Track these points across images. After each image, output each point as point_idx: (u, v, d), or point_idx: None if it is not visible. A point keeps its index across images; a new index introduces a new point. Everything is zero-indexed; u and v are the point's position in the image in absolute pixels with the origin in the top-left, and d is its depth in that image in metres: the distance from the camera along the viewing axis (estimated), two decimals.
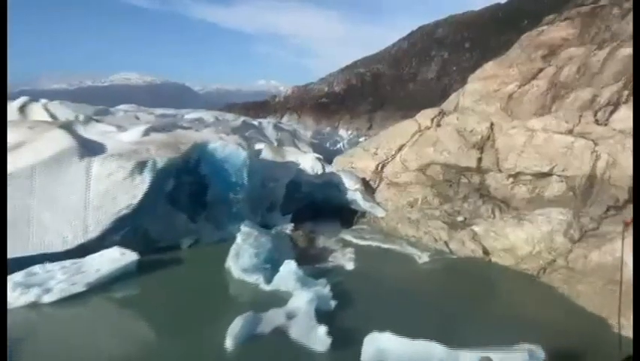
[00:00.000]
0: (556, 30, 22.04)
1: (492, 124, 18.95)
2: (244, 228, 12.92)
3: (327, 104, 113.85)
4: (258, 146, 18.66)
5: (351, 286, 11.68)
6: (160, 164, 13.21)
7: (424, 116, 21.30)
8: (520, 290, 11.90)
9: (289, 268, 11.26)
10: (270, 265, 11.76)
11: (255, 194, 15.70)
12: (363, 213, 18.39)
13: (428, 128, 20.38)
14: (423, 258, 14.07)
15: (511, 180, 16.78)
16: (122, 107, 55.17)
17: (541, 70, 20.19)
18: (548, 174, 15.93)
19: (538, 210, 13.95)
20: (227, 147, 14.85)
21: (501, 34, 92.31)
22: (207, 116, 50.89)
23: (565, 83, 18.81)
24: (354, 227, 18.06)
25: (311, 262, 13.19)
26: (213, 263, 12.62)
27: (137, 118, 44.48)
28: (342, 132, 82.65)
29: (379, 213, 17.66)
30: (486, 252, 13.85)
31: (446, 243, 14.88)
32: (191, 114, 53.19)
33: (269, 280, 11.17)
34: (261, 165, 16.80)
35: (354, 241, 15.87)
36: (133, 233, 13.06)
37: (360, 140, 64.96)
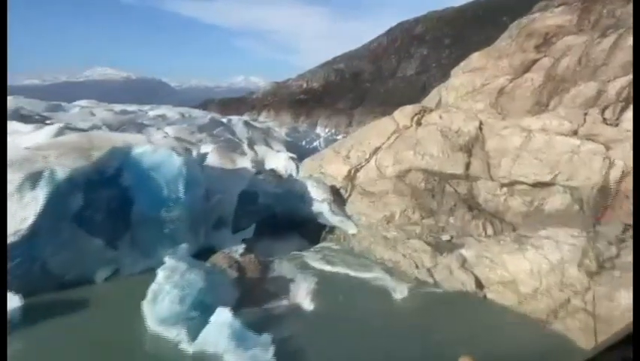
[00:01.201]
0: (550, 17, 19.44)
1: (481, 123, 16.29)
2: (169, 260, 9.96)
3: (306, 100, 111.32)
4: (205, 149, 15.57)
5: (307, 339, 8.90)
6: (61, 175, 10.16)
7: (403, 114, 18.55)
8: (525, 342, 9.20)
9: (222, 318, 8.39)
10: (199, 313, 8.86)
11: (196, 209, 12.72)
12: (332, 228, 15.59)
13: (407, 127, 17.64)
14: (401, 292, 11.28)
15: (504, 190, 14.13)
16: (81, 102, 51.50)
17: (535, 61, 17.60)
18: (550, 184, 13.31)
19: (543, 232, 11.28)
20: (157, 152, 11.86)
21: (482, 31, 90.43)
22: (172, 112, 47.42)
23: (564, 77, 16.24)
24: (320, 245, 15.27)
25: (259, 302, 10.37)
26: (131, 304, 9.65)
27: (93, 114, 41.10)
28: (319, 130, 79.99)
29: (350, 229, 14.86)
30: (480, 285, 11.14)
31: (429, 271, 12.14)
32: (154, 111, 49.75)
33: (193, 336, 8.30)
34: (206, 174, 13.85)
35: (318, 266, 13.06)
36: (26, 267, 10.01)
37: (338, 137, 62.41)
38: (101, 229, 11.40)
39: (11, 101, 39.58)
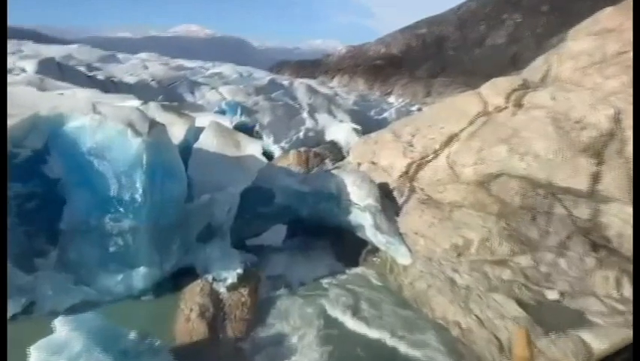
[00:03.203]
0: None
1: (618, 112, 10.67)
2: (59, 323, 5.80)
3: (382, 66, 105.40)
4: (201, 121, 10.94)
5: None
6: None
7: (495, 89, 13.14)
8: None
9: None
10: None
11: (169, 214, 8.47)
12: (376, 248, 10.90)
13: (500, 109, 12.28)
14: None
15: None
16: (141, 55, 49.28)
17: None
18: None
19: None
20: (102, 128, 7.61)
21: None
22: (231, 71, 43.78)
23: None
24: (355, 271, 10.69)
25: None
26: None
27: (145, 68, 38.34)
28: (392, 99, 73.91)
29: (401, 257, 10.04)
30: None
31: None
32: (214, 68, 46.39)
33: None
34: (194, 162, 9.53)
35: (341, 317, 8.50)
36: None
37: (413, 108, 56.36)
38: (10, 241, 7.41)
39: (61, 50, 37.60)
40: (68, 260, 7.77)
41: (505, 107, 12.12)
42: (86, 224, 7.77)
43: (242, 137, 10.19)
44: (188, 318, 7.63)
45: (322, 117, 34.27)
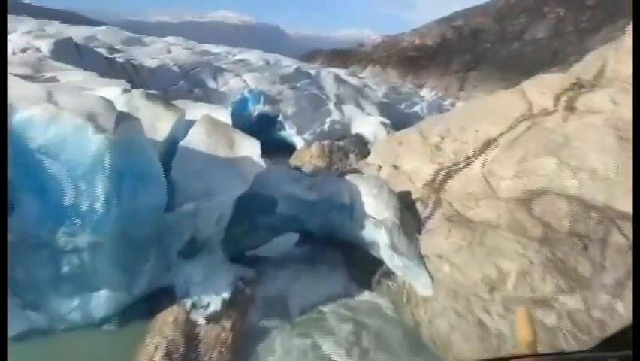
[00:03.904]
0: None
1: None
2: None
3: (416, 58, 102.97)
4: (192, 114, 9.32)
5: None
6: None
7: (542, 88, 11.26)
8: None
9: None
10: None
11: (143, 227, 7.07)
12: (392, 272, 9.28)
13: (548, 112, 10.41)
14: None
15: None
16: (168, 38, 48.35)
17: None
18: None
19: None
20: (56, 121, 6.21)
21: None
22: (256, 58, 42.16)
23: None
24: (365, 297, 9.14)
25: None
26: None
27: (169, 52, 37.25)
28: (425, 92, 71.31)
29: (420, 287, 8.40)
30: None
31: None
32: (240, 55, 44.97)
33: None
34: (179, 164, 8.07)
35: (338, 359, 6.99)
36: None
37: (445, 102, 54.04)
38: None
39: (86, 31, 36.82)
40: (14, 279, 6.44)
41: (555, 111, 10.26)
42: (36, 237, 6.42)
43: (237, 134, 8.63)
44: (151, 359, 6.22)
45: (349, 109, 32.70)
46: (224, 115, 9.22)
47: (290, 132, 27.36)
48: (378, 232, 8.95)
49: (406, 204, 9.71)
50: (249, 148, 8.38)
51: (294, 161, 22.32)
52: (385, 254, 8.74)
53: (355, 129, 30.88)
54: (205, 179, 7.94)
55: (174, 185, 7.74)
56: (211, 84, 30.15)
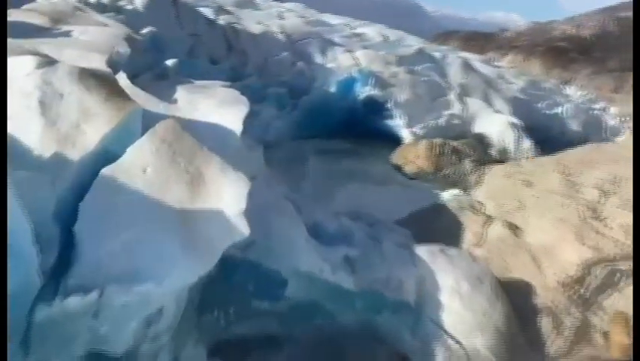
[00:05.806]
0: None
1: None
2: None
3: (566, 50, 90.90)
4: (190, 111, 5.63)
5: None
6: None
7: None
8: None
9: None
10: None
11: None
12: None
13: None
14: None
15: None
16: (288, 4, 46.06)
17: None
18: None
19: None
20: None
21: None
22: (375, 33, 38.01)
23: None
24: None
25: None
26: None
27: (281, 18, 34.68)
28: (571, 90, 61.49)
29: None
30: None
31: None
32: (359, 28, 41.08)
33: None
34: (89, 211, 4.63)
35: None
36: None
37: (596, 106, 45.31)
38: None
39: None
40: None
41: None
42: None
43: (214, 161, 4.95)
44: None
45: (474, 103, 28.23)
46: (238, 116, 5.58)
47: (398, 123, 24.17)
48: None
49: (519, 312, 5.44)
50: (231, 190, 4.68)
51: (395, 158, 19.88)
52: None
53: (478, 128, 26.45)
54: (133, 244, 4.38)
55: (77, 253, 4.31)
56: (318, 59, 27.05)
